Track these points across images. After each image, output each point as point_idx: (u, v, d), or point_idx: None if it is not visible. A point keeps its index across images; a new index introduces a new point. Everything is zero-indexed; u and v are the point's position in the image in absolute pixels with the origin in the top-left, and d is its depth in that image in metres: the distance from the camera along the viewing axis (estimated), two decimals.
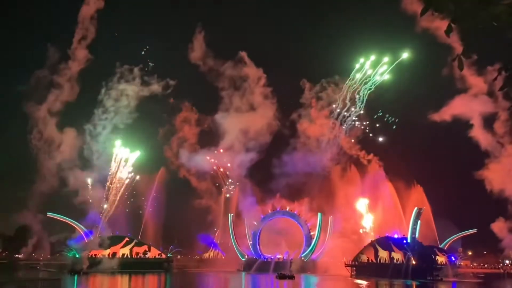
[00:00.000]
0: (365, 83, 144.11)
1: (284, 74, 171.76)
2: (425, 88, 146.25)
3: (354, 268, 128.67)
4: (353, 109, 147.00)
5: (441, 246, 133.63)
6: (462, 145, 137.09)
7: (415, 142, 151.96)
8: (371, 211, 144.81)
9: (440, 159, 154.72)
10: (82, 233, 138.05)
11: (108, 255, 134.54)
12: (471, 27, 7.85)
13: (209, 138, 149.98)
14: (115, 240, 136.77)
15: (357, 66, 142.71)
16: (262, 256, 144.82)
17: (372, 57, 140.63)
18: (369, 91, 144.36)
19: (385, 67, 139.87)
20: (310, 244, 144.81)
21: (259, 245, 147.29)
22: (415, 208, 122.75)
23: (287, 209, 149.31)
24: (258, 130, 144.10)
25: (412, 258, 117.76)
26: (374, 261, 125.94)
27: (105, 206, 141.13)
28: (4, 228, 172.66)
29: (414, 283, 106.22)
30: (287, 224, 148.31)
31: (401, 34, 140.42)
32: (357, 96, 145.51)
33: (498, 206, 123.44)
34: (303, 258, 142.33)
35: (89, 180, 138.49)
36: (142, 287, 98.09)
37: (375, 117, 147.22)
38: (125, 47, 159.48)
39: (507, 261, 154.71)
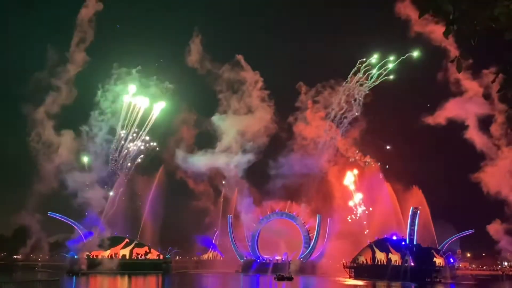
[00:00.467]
0: (361, 85, 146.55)
1: (281, 77, 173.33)
2: (421, 91, 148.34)
3: (353, 270, 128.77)
4: (349, 111, 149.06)
5: (439, 248, 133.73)
6: (459, 147, 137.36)
7: (412, 145, 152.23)
8: (359, 190, 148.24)
9: (438, 161, 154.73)
10: (81, 234, 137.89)
11: (108, 256, 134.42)
12: (469, 29, 7.89)
13: (207, 140, 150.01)
14: (114, 241, 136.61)
15: (354, 69, 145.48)
16: (260, 258, 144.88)
17: (369, 60, 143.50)
18: (365, 94, 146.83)
19: (381, 70, 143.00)
20: (309, 245, 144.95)
21: (257, 246, 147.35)
22: (411, 208, 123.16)
23: (286, 211, 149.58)
24: (255, 132, 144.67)
25: (410, 260, 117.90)
26: (372, 263, 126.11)
27: (110, 194, 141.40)
28: (3, 229, 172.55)
29: (412, 285, 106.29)
30: (285, 226, 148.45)
31: (396, 38, 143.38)
32: (353, 99, 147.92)
33: (497, 207, 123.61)
34: (301, 259, 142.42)
35: (87, 181, 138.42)
36: None
37: (371, 119, 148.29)
38: (122, 50, 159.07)
39: (506, 263, 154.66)
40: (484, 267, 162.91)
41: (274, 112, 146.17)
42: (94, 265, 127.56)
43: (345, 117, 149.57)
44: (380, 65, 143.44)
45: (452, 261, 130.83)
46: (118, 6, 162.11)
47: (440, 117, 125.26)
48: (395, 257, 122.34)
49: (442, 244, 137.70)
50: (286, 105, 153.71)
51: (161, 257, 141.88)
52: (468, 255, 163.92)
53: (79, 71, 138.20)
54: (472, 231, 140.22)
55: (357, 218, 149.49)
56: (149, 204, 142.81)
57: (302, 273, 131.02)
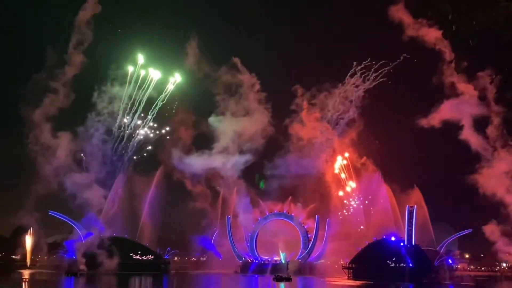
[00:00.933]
0: (357, 87, 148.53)
1: (277, 80, 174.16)
2: (416, 93, 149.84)
3: (351, 271, 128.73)
4: (345, 113, 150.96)
5: (437, 248, 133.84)
6: (455, 148, 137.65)
7: (410, 146, 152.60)
8: (352, 179, 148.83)
9: (437, 162, 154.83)
10: (80, 234, 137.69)
11: (106, 256, 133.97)
12: (469, 30, 7.97)
13: (204, 141, 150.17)
14: (113, 241, 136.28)
15: (350, 71, 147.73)
16: (259, 258, 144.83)
17: (364, 64, 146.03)
18: (361, 96, 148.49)
19: (376, 73, 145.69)
20: (307, 246, 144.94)
21: (256, 247, 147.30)
22: (407, 207, 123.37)
23: (284, 211, 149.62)
24: (252, 134, 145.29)
25: (408, 261, 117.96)
26: (371, 263, 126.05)
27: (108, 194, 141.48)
28: (1, 229, 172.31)
29: (410, 286, 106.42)
30: (284, 226, 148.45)
31: (390, 41, 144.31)
32: (349, 100, 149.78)
33: (494, 209, 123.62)
34: (300, 260, 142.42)
35: (86, 182, 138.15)
36: None
37: (368, 121, 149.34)
38: (120, 51, 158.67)
39: (504, 264, 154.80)
40: (483, 268, 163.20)
41: (271, 114, 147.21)
42: (92, 265, 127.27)
43: (342, 118, 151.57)
44: (375, 68, 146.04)
45: (450, 262, 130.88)
46: (116, 8, 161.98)
47: (436, 118, 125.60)
48: (393, 258, 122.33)
49: (440, 245, 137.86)
50: (283, 107, 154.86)
51: (160, 257, 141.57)
52: (467, 256, 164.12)
53: (77, 73, 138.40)
54: (470, 230, 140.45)
55: (350, 212, 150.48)
56: (148, 204, 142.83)
57: (301, 274, 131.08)
